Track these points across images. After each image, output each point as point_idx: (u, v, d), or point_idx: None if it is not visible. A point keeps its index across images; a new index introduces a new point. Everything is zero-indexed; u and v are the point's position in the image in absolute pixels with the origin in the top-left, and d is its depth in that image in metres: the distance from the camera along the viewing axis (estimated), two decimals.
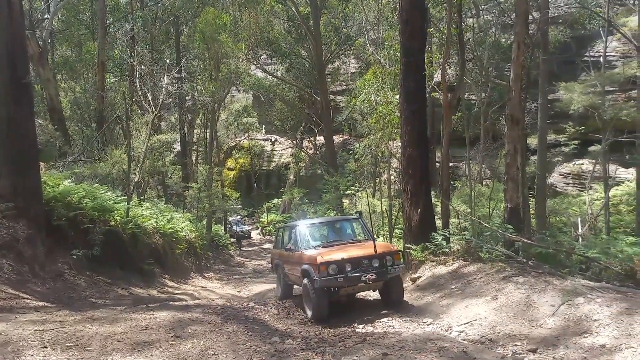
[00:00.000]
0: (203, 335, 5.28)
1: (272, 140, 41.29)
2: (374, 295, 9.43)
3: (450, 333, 6.19)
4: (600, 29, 22.57)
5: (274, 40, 28.93)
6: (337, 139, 33.75)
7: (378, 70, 20.17)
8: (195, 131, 32.91)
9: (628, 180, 21.34)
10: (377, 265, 7.76)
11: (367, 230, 9.50)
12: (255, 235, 34.87)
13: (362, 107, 22.72)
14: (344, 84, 36.24)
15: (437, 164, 19.75)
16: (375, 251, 7.75)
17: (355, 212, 10.14)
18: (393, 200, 20.07)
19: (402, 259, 8.38)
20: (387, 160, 21.80)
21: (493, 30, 22.45)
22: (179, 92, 23.58)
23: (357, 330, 6.51)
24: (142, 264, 12.31)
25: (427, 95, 16.02)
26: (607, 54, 21.75)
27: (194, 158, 34.25)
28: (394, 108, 17.57)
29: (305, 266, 7.92)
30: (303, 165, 36.37)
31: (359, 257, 7.76)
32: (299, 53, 30.59)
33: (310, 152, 35.65)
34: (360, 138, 28.70)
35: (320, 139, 32.79)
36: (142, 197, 19.60)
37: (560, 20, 23.80)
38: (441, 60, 14.25)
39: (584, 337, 5.93)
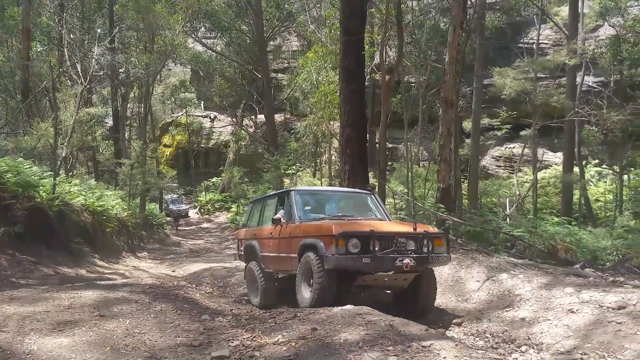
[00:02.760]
0: (129, 314, 5.16)
1: (212, 117, 40.37)
2: None
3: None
4: (535, 16, 23.68)
5: (213, 13, 28.10)
6: (278, 117, 33.53)
7: (320, 49, 20.17)
8: (128, 105, 31.54)
9: (555, 164, 22.78)
10: (413, 248, 5.93)
11: (382, 208, 7.61)
12: (193, 214, 34.26)
13: (304, 85, 22.73)
14: (285, 61, 35.89)
15: (377, 145, 20.12)
16: (415, 228, 6.07)
17: (368, 186, 8.46)
18: (333, 180, 20.33)
19: (446, 247, 6.35)
20: (328, 140, 21.97)
21: (433, 13, 22.94)
22: (112, 63, 22.47)
23: (289, 307, 6.63)
24: (70, 243, 11.87)
25: (368, 77, 16.24)
26: (540, 41, 22.90)
27: (127, 134, 32.89)
28: (335, 88, 17.67)
29: (308, 240, 6.08)
30: (243, 143, 35.91)
31: (392, 234, 6.01)
32: (239, 28, 29.92)
33: (251, 130, 35.23)
34: (301, 117, 28.73)
35: (261, 117, 32.44)
36: (71, 173, 18.71)
37: (497, 7, 24.71)
38: (379, 39, 14.43)
39: (507, 310, 6.36)
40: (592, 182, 20.63)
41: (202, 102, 40.25)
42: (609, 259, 8.88)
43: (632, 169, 17.37)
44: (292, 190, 7.31)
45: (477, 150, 17.65)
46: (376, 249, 5.63)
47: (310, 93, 22.05)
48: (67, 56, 19.37)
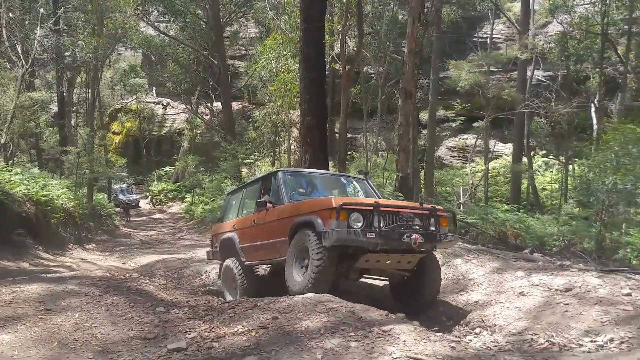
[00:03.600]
0: (79, 308, 4.95)
1: (164, 103, 39.24)
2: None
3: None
4: (489, 11, 24.29)
5: None
6: (235, 105, 33.02)
7: (279, 36, 19.94)
8: (75, 91, 30.25)
9: (505, 154, 23.60)
10: (419, 225, 5.52)
11: (377, 194, 7.19)
12: (145, 204, 33.31)
13: (263, 73, 22.45)
14: (243, 48, 35.30)
15: (337, 135, 20.20)
16: (421, 204, 5.88)
17: (361, 171, 7.98)
18: None
19: (454, 227, 6.09)
20: (288, 129, 21.84)
21: (392, 5, 23.14)
22: (56, 46, 21.40)
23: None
24: (11, 235, 11.28)
25: (327, 66, 16.22)
26: (493, 36, 23.53)
27: (73, 120, 31.57)
28: (294, 76, 17.55)
29: (302, 218, 5.60)
30: (199, 131, 35.16)
31: (397, 208, 5.58)
32: (194, 12, 29.14)
33: (207, 118, 34.50)
34: (260, 106, 28.42)
35: (218, 105, 31.83)
36: (11, 161, 17.78)
37: (453, 1, 25.20)
38: (339, 29, 14.43)
39: (461, 294, 6.52)
40: (539, 171, 21.50)
41: (154, 88, 39.05)
42: (555, 244, 9.26)
43: (577, 159, 18.23)
44: (279, 171, 6.75)
45: (433, 141, 18.04)
46: (380, 224, 5.19)
47: (269, 81, 21.82)
48: (5, 36, 18.30)
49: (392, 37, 21.89)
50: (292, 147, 24.97)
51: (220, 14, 27.93)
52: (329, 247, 5.14)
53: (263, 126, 26.10)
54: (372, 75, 22.83)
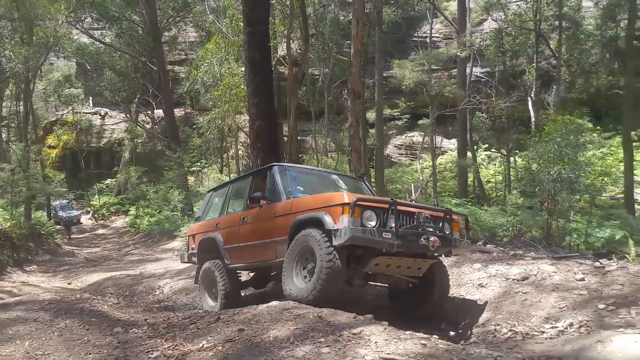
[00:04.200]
0: (28, 335, 4.64)
1: (102, 113, 37.72)
2: None
3: None
4: (427, 11, 24.98)
5: (99, 3, 26.20)
6: (178, 112, 32.21)
7: (221, 39, 19.67)
8: (4, 104, 28.55)
9: (450, 150, 24.34)
10: (434, 228, 5.18)
11: (370, 191, 7.06)
12: (86, 220, 31.88)
13: (205, 78, 22.06)
14: (183, 53, 34.54)
15: (285, 138, 20.14)
16: (437, 204, 5.88)
17: (359, 173, 7.79)
18: None
19: (465, 232, 5.83)
20: (235, 135, 21.54)
21: (332, 7, 23.35)
22: None
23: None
24: None
25: (272, 69, 16.15)
26: (432, 35, 24.20)
27: (4, 135, 29.79)
28: (239, 80, 17.36)
29: (306, 215, 5.16)
30: (140, 141, 34.04)
31: (414, 208, 5.22)
32: (130, 18, 28.20)
33: (148, 126, 33.47)
34: (204, 112, 27.89)
35: (159, 112, 30.93)
36: None
37: (392, 1, 25.73)
38: (285, 32, 14.40)
39: None
40: (483, 165, 22.30)
41: (91, 97, 37.47)
42: (505, 235, 9.60)
43: (517, 151, 19.06)
44: (274, 165, 6.33)
45: (382, 140, 18.32)
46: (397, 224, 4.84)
47: (212, 86, 21.46)
48: None
49: (335, 38, 22.09)
50: (240, 152, 24.67)
51: (158, 19, 27.19)
52: (340, 247, 4.72)
53: (208, 132, 25.64)
54: (318, 77, 22.94)
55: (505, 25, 18.93)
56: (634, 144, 13.03)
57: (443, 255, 5.47)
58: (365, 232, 4.69)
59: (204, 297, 6.88)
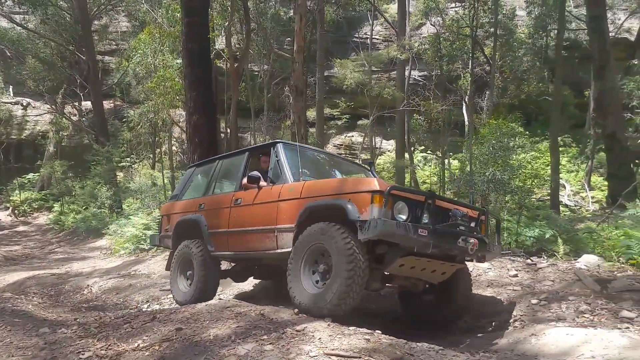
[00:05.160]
0: None
1: (24, 104, 35.30)
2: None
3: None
4: (368, 12, 25.44)
5: None
6: (107, 104, 30.78)
7: (155, 30, 19.01)
8: None
9: (389, 151, 24.93)
10: (468, 227, 4.67)
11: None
12: (5, 217, 29.79)
13: (138, 69, 21.26)
14: (114, 43, 33.05)
15: (222, 135, 19.79)
16: (473, 201, 5.14)
17: (366, 160, 7.21)
18: (176, 172, 19.44)
19: (496, 236, 5.28)
20: (168, 129, 20.90)
21: (273, 2, 23.25)
22: None
23: (143, 309, 6.16)
24: None
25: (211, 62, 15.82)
26: (373, 36, 24.68)
27: None
28: (174, 72, 16.86)
29: (324, 201, 4.53)
30: (66, 134, 32.17)
31: (448, 203, 4.74)
32: (56, 3, 26.66)
33: (75, 118, 31.69)
34: (135, 104, 26.86)
35: (87, 104, 29.43)
36: None
37: (333, 1, 26.00)
38: (225, 24, 14.16)
39: None
40: (419, 166, 23.01)
41: (11, 86, 35.03)
42: None
43: (452, 154, 19.82)
44: (279, 142, 5.65)
45: (322, 139, 18.45)
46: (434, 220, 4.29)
47: (145, 78, 20.69)
48: None
49: (276, 34, 22.00)
50: (174, 148, 23.96)
51: (88, 6, 25.89)
52: (362, 243, 4.16)
53: (140, 126, 24.69)
54: (257, 73, 22.75)
55: (443, 31, 19.61)
56: (560, 148, 13.92)
57: (474, 261, 4.97)
58: (399, 226, 4.07)
59: (175, 282, 6.22)
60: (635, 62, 11.03)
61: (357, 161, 7.48)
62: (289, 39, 23.80)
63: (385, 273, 4.66)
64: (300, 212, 4.67)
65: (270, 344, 3.72)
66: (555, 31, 15.08)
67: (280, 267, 5.23)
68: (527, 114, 18.34)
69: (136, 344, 4.01)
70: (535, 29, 17.74)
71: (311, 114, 21.46)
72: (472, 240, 4.39)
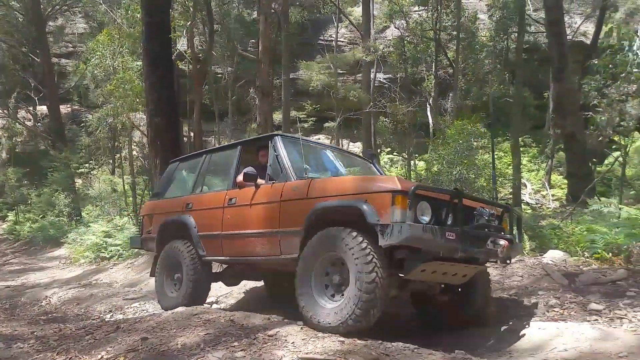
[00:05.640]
0: None
1: None
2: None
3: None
4: (333, 15, 25.55)
5: None
6: (64, 109, 29.86)
7: (114, 31, 18.54)
8: None
9: None
10: (494, 226, 4.30)
11: (379, 172, 6.17)
12: None
13: (96, 72, 20.68)
14: (70, 45, 32.11)
15: (185, 138, 19.45)
16: (496, 196, 4.83)
17: (369, 152, 6.80)
18: (137, 178, 18.97)
19: (518, 234, 4.83)
20: (128, 133, 20.40)
21: (236, 3, 23.07)
22: None
23: (106, 319, 5.93)
24: None
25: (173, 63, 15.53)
26: (338, 39, 24.79)
27: None
28: (134, 75, 16.47)
29: (337, 202, 4.10)
30: (20, 139, 31.02)
31: (473, 201, 4.38)
32: (8, 3, 25.70)
33: (29, 123, 30.60)
34: (94, 108, 26.14)
35: (43, 109, 28.46)
36: None
37: (297, 2, 26.03)
38: (187, 25, 13.93)
39: None
40: (386, 167, 23.23)
41: None
42: None
43: (417, 155, 20.09)
44: (277, 134, 5.15)
45: None
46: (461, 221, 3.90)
47: (103, 81, 20.12)
48: None
49: (239, 36, 21.83)
50: (135, 152, 23.40)
51: (42, 6, 25.06)
52: (384, 248, 3.78)
53: (99, 131, 24.02)
54: (221, 75, 22.51)
55: (407, 34, 19.87)
56: (521, 148, 14.28)
57: (499, 262, 4.55)
58: (426, 230, 3.68)
59: (162, 286, 5.77)
60: (595, 62, 11.38)
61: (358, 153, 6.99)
62: (253, 40, 23.64)
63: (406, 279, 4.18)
64: (308, 215, 4.24)
65: (241, 350, 3.63)
66: (516, 34, 15.47)
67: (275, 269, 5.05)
68: (489, 116, 18.81)
69: (99, 356, 3.85)
70: (497, 32, 18.19)
71: (277, 116, 21.34)
72: (502, 242, 4.06)
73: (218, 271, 6.14)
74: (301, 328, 4.01)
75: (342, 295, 3.93)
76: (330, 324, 3.87)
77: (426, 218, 3.85)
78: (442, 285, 4.69)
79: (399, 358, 3.27)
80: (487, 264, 4.84)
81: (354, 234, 3.86)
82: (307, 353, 3.46)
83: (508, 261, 4.46)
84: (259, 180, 4.92)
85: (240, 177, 5.12)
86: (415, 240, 3.70)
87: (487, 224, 4.16)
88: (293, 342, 3.68)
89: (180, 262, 5.51)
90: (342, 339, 3.69)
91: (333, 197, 4.17)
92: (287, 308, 4.77)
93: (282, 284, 5.88)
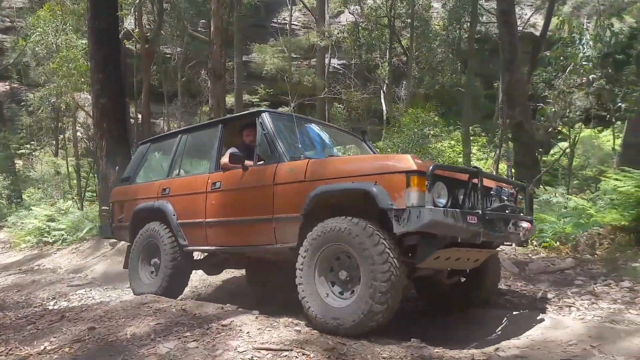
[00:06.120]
0: None
1: None
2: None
3: None
4: None
5: None
6: (2, 87, 28.35)
7: (57, 7, 17.59)
8: None
9: None
10: (513, 207, 4.05)
11: (372, 151, 5.85)
12: None
13: (37, 49, 19.61)
14: (8, 20, 30.27)
15: (132, 120, 18.79)
16: (511, 172, 4.25)
17: (358, 128, 6.22)
18: (81, 160, 18.24)
19: (530, 212, 4.42)
20: (73, 114, 19.54)
21: None
22: None
23: (49, 307, 5.66)
24: None
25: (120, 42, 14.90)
26: (292, 22, 24.54)
27: None
28: (79, 53, 15.74)
29: (341, 185, 3.72)
30: None
31: (490, 179, 4.05)
32: None
33: None
34: (35, 87, 24.85)
35: None
36: None
37: None
38: (135, 2, 13.37)
39: None
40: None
41: None
42: None
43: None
44: (263, 111, 4.66)
45: None
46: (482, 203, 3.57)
47: (45, 59, 19.11)
48: None
49: (189, 15, 21.22)
50: (79, 134, 22.45)
51: None
52: (397, 236, 3.45)
53: (41, 110, 22.87)
54: (170, 56, 21.85)
55: (362, 19, 19.91)
56: (471, 137, 14.67)
57: (514, 244, 4.22)
58: (447, 215, 3.33)
59: (136, 271, 5.38)
60: (547, 54, 11.76)
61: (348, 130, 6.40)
62: (203, 20, 23.02)
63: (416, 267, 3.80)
64: (308, 199, 3.86)
65: (194, 340, 3.54)
66: (468, 24, 15.76)
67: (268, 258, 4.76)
68: (442, 104, 19.20)
69: (42, 347, 3.66)
70: (450, 21, 18.49)
71: (229, 99, 20.99)
72: (525, 224, 3.85)
73: (199, 258, 5.82)
74: (256, 317, 3.95)
75: (352, 292, 3.61)
76: (341, 324, 3.53)
77: (443, 201, 3.50)
78: (449, 269, 4.35)
79: (355, 347, 3.28)
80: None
81: (363, 224, 3.51)
82: (262, 343, 3.42)
83: (525, 244, 4.20)
84: (247, 162, 4.52)
85: (225, 159, 4.73)
86: (436, 226, 3.35)
87: (508, 205, 3.92)
88: (248, 332, 3.63)
89: (158, 247, 5.15)
90: (298, 328, 3.67)
91: (335, 180, 3.78)
92: (267, 297, 4.86)
93: (263, 273, 5.74)
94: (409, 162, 3.45)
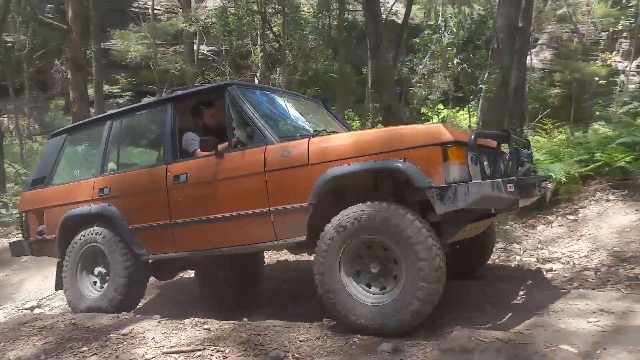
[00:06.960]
0: None
1: None
2: None
3: None
4: None
5: None
6: None
7: None
8: None
9: None
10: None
11: (340, 121, 5.12)
12: None
13: None
14: None
15: None
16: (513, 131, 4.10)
17: (318, 96, 5.43)
18: None
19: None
20: None
21: None
22: None
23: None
24: None
25: None
26: (154, 6, 23.33)
27: None
28: None
29: (361, 164, 3.25)
30: None
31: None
32: None
33: None
34: None
35: None
36: None
37: None
38: None
39: None
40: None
41: None
42: None
43: None
44: (231, 84, 4.00)
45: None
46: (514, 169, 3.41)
47: None
48: None
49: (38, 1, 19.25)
50: None
51: None
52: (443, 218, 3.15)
53: None
54: (12, 45, 19.60)
55: (230, 5, 19.54)
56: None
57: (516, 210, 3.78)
58: (494, 187, 2.99)
59: (74, 281, 4.56)
60: (417, 41, 12.55)
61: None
62: (50, 5, 20.97)
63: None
64: (318, 185, 3.36)
65: (93, 355, 3.33)
66: (337, 12, 16.29)
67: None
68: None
69: None
70: (320, 8, 18.88)
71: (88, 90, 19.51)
72: (549, 185, 3.71)
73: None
74: (159, 322, 3.80)
75: (385, 287, 3.26)
76: (381, 322, 3.14)
77: (481, 172, 3.22)
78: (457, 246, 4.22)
79: (270, 335, 3.31)
80: None
81: (400, 208, 3.13)
82: (171, 347, 3.31)
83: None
84: (221, 146, 3.87)
85: (194, 148, 4.15)
86: (487, 201, 3.08)
87: (533, 167, 3.79)
88: (153, 338, 3.49)
89: (104, 254, 4.43)
90: (207, 326, 3.59)
91: (348, 160, 3.31)
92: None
93: (215, 276, 5.21)
94: (442, 131, 3.13)
